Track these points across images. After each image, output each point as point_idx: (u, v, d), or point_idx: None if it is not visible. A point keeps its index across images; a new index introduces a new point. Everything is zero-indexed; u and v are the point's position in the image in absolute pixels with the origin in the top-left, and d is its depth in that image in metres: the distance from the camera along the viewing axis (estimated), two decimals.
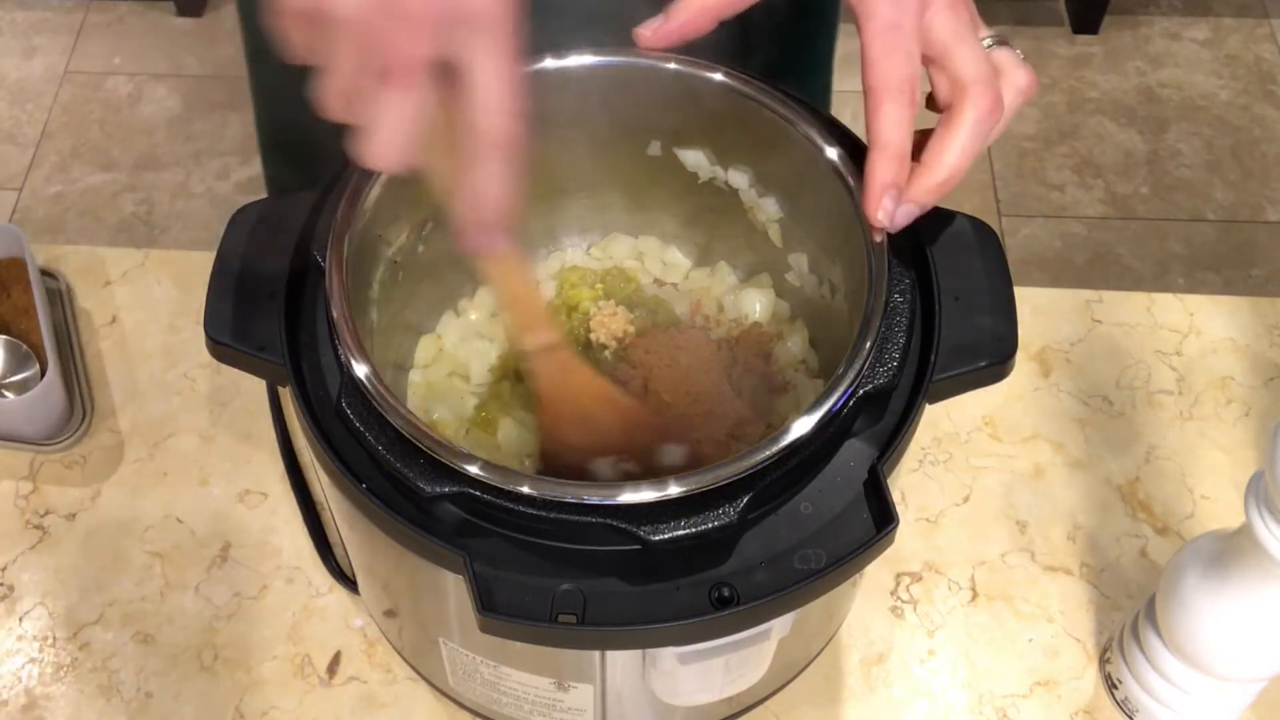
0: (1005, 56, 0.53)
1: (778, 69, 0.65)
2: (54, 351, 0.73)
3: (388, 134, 0.41)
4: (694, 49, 0.55)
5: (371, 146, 0.42)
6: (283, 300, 0.53)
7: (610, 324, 0.61)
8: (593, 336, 0.61)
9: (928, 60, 0.52)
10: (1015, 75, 0.53)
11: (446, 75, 0.42)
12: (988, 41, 0.53)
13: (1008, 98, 0.52)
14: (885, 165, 0.50)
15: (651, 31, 0.55)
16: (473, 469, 0.46)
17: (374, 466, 0.49)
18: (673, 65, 0.57)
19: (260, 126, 0.84)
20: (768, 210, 0.61)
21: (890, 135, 0.50)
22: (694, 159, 0.61)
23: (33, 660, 0.68)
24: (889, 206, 0.51)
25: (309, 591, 0.70)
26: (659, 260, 0.67)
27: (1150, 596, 0.63)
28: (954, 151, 0.51)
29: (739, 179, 0.61)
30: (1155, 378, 0.79)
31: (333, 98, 0.42)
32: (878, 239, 0.52)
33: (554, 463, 0.56)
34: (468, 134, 0.43)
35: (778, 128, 0.57)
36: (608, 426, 0.56)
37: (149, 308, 0.81)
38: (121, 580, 0.70)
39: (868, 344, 0.50)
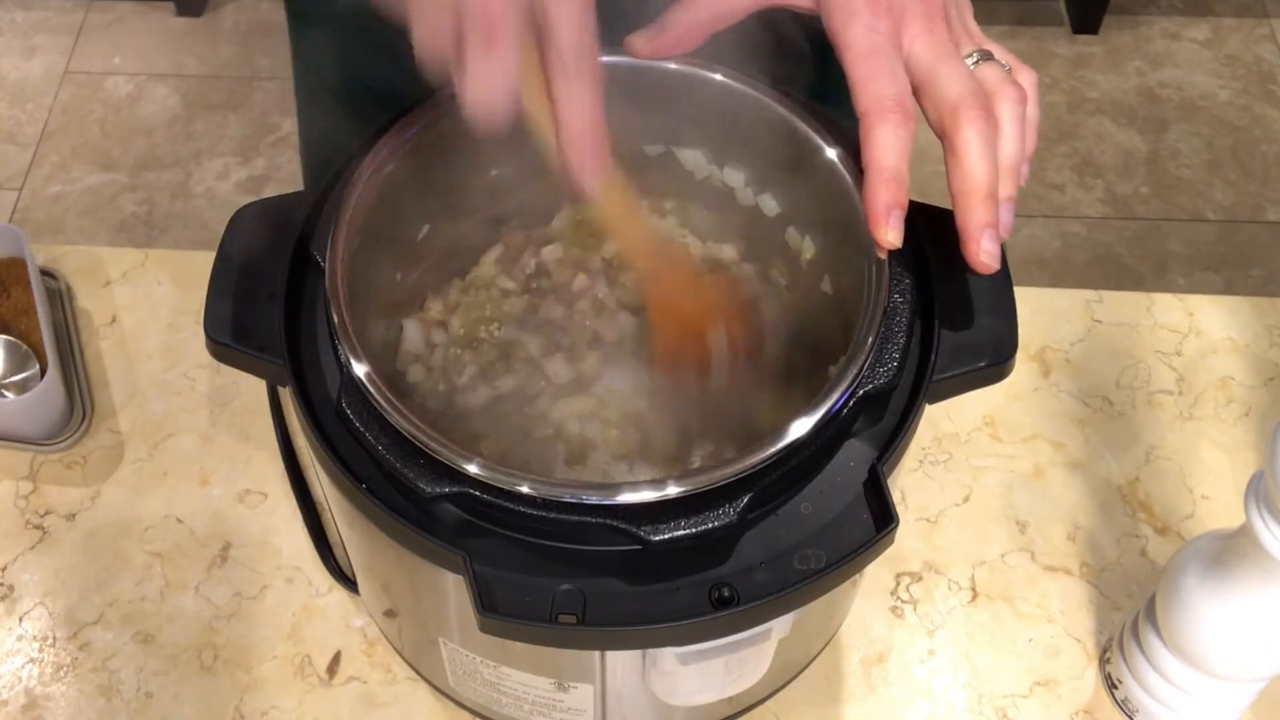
0: (990, 73, 0.52)
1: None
2: (54, 351, 0.73)
3: (490, 88, 0.45)
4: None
5: (478, 101, 0.45)
6: (283, 300, 0.53)
7: None
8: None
9: (913, 89, 0.51)
10: (1004, 90, 0.51)
11: (531, 27, 0.46)
12: (973, 58, 0.52)
13: (1005, 112, 0.51)
14: (884, 188, 0.49)
15: (645, 41, 0.56)
16: (472, 469, 0.46)
17: (374, 466, 0.49)
18: (673, 65, 0.57)
19: (299, 85, 0.84)
20: (765, 206, 0.61)
21: (885, 160, 0.49)
22: (692, 159, 0.62)
23: (33, 660, 0.68)
24: (896, 225, 0.50)
25: (309, 591, 0.70)
26: None
27: (1150, 596, 0.63)
28: (977, 164, 0.49)
29: (735, 177, 0.61)
30: (1155, 378, 0.79)
31: (432, 56, 0.46)
32: (883, 256, 0.51)
33: (674, 362, 0.59)
34: (553, 74, 0.47)
35: (776, 126, 0.57)
36: (710, 306, 0.59)
37: (149, 308, 0.81)
38: (121, 580, 0.70)
39: (868, 344, 0.50)
